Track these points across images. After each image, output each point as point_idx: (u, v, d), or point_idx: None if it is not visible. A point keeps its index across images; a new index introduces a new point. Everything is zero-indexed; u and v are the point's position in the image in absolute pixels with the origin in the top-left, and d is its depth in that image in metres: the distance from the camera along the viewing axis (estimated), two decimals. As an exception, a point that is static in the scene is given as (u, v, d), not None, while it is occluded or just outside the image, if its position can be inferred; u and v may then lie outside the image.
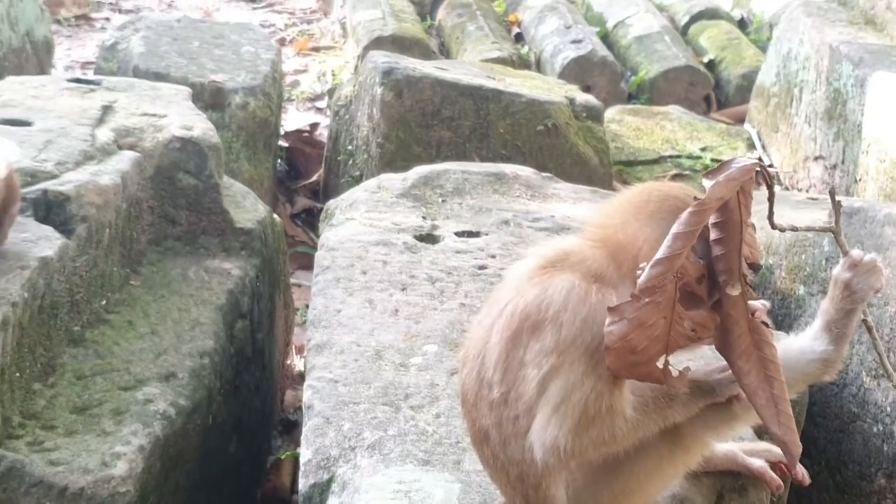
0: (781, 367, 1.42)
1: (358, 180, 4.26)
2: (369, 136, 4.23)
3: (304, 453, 1.81)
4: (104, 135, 2.70)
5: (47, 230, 2.24)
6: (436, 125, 4.10)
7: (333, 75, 6.96)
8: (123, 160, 2.61)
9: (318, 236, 4.57)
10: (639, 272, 1.33)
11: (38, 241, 2.19)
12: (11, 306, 1.98)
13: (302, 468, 1.80)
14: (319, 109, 6.48)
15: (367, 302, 2.29)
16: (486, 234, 2.66)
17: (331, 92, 6.64)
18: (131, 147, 2.73)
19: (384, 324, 2.20)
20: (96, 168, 2.51)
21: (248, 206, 2.99)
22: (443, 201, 2.84)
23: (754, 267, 1.39)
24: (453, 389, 1.96)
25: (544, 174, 3.07)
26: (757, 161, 1.37)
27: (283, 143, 5.14)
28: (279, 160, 4.98)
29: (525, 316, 1.40)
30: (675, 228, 1.33)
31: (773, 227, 1.42)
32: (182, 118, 2.89)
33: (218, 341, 2.48)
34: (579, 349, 1.36)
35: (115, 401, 2.12)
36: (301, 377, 3.52)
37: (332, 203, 2.92)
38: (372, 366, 2.04)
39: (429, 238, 2.64)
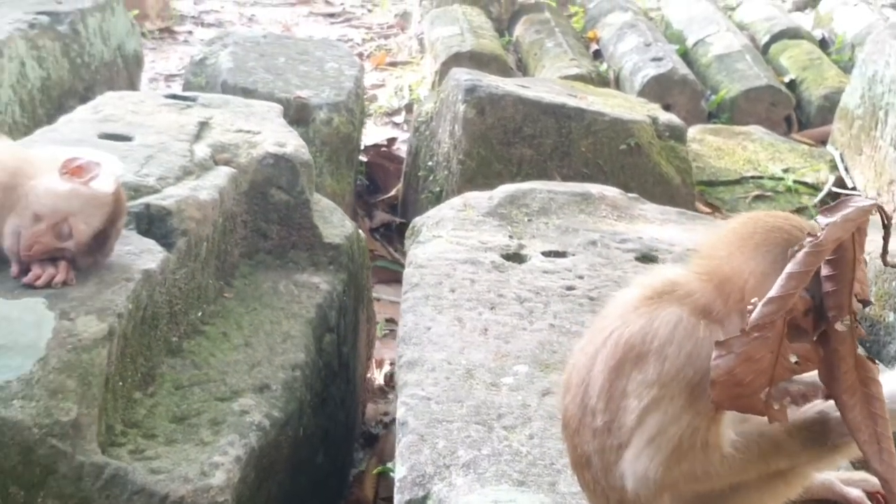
0: (886, 405, 1.42)
1: (438, 196, 4.30)
2: (450, 152, 4.27)
3: (399, 469, 1.84)
4: (201, 150, 2.77)
5: (150, 243, 2.31)
6: (517, 143, 4.13)
7: (410, 90, 7.03)
8: (220, 176, 2.68)
9: (396, 250, 4.66)
10: (750, 308, 1.34)
11: (142, 254, 2.25)
12: (117, 317, 2.04)
13: (397, 484, 1.83)
14: (397, 124, 6.55)
15: (457, 320, 2.32)
16: (573, 255, 2.67)
17: (408, 107, 6.72)
18: (227, 163, 2.80)
19: (474, 342, 2.23)
20: (195, 183, 2.58)
21: (335, 222, 3.05)
22: (529, 220, 2.87)
23: (864, 303, 1.38)
24: (545, 411, 1.98)
25: (630, 195, 3.08)
26: (874, 202, 1.36)
27: (362, 157, 5.20)
28: (359, 175, 5.05)
29: (629, 347, 1.41)
30: (789, 268, 1.33)
31: (886, 264, 1.42)
32: (275, 135, 2.96)
33: (308, 354, 2.53)
34: (680, 384, 1.37)
35: (212, 411, 2.18)
36: (381, 391, 3.57)
37: (418, 220, 2.96)
38: (463, 384, 2.07)
39: (516, 257, 2.66)
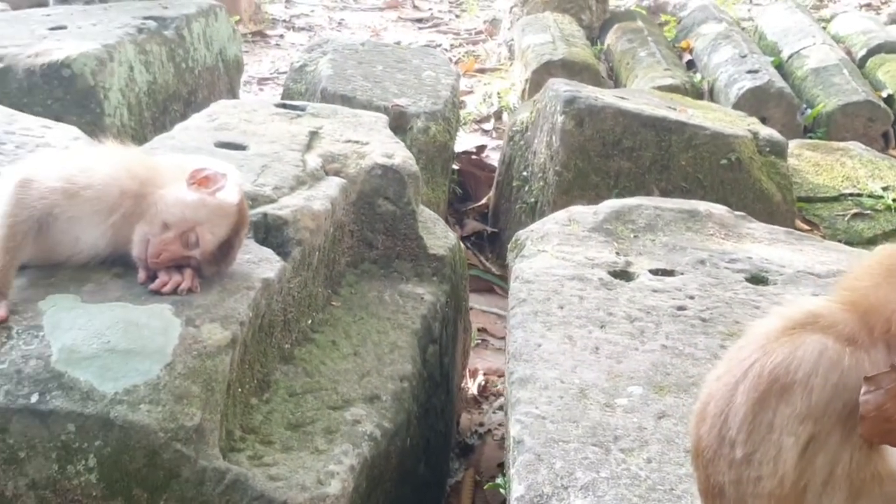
0: None
1: (533, 207, 4.31)
2: (546, 163, 4.27)
3: (517, 488, 1.85)
4: (313, 160, 2.82)
5: (268, 252, 2.36)
6: (615, 155, 4.11)
7: (499, 97, 7.04)
8: (332, 186, 2.72)
9: (487, 260, 4.67)
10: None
11: (260, 263, 2.30)
12: (240, 325, 2.08)
13: (514, 503, 1.84)
14: (486, 131, 6.56)
15: (567, 338, 2.32)
16: (682, 274, 2.65)
17: (497, 114, 6.74)
18: (336, 173, 2.84)
19: (585, 361, 2.23)
20: (308, 193, 2.62)
21: (438, 233, 3.07)
22: (635, 237, 2.85)
23: None
24: (662, 434, 1.97)
25: (737, 213, 3.05)
26: None
27: (453, 165, 5.23)
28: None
29: (773, 378, 1.40)
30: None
31: None
32: (383, 146, 2.99)
33: (415, 366, 2.55)
34: (832, 417, 1.36)
35: (325, 420, 2.21)
36: (475, 401, 3.59)
37: (521, 234, 2.96)
38: (577, 404, 2.07)
39: (623, 275, 2.65)
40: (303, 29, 9.45)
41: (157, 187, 2.14)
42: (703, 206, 3.05)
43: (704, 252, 2.77)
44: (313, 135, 3.01)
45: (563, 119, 4.11)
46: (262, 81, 7.77)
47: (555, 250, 2.74)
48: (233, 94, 5.40)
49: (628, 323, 2.39)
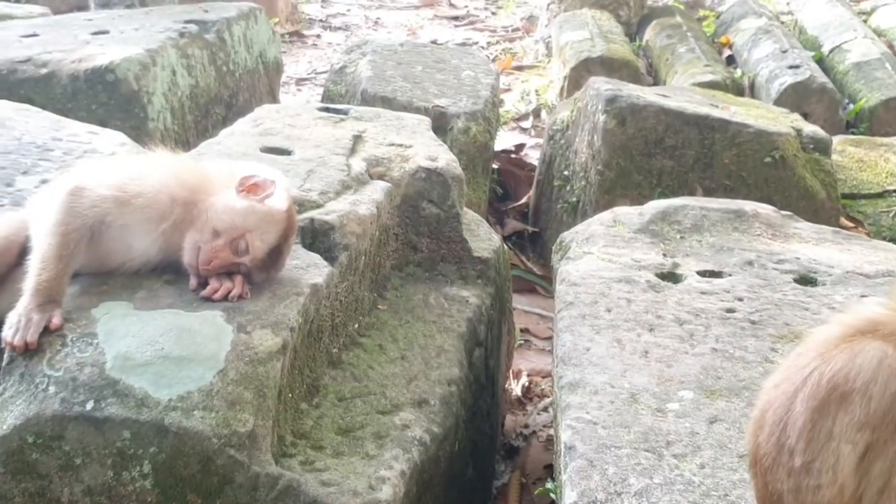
0: None
1: (575, 207, 4.29)
2: (588, 162, 4.25)
3: (569, 494, 1.85)
4: (357, 164, 2.82)
5: (315, 258, 2.37)
6: (658, 154, 4.09)
7: (537, 95, 7.02)
8: (377, 190, 2.73)
9: (528, 259, 4.66)
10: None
11: (308, 268, 2.31)
12: (290, 331, 2.10)
13: (567, 509, 1.83)
14: (524, 129, 6.55)
15: (616, 341, 2.31)
16: (730, 275, 2.63)
17: (535, 112, 6.72)
18: (381, 176, 2.85)
19: (635, 365, 2.22)
20: (354, 198, 2.63)
21: (482, 235, 3.07)
22: (681, 238, 2.84)
23: None
24: (714, 439, 1.96)
25: (784, 213, 3.02)
26: None
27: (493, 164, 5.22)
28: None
29: (832, 386, 1.39)
30: None
31: None
32: (427, 149, 3.00)
33: (462, 370, 2.55)
34: (890, 426, 1.34)
35: (374, 424, 2.22)
36: (519, 402, 3.58)
37: (566, 235, 2.95)
38: (628, 409, 2.06)
39: (670, 276, 2.64)
40: (339, 28, 9.47)
41: (207, 195, 2.15)
42: (749, 205, 3.02)
43: (752, 253, 2.75)
44: (357, 138, 3.01)
45: (605, 118, 4.09)
46: (299, 82, 7.80)
47: (601, 252, 2.73)
48: (273, 96, 5.43)
49: (677, 326, 2.38)
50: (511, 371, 3.64)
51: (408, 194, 2.89)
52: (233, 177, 2.19)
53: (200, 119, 4.54)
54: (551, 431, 3.36)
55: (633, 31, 7.75)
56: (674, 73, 6.47)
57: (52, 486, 1.93)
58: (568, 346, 2.30)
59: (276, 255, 2.17)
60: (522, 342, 3.97)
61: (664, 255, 2.74)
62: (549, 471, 3.07)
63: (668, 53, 6.78)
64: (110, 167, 2.24)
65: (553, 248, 2.98)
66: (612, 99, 4.11)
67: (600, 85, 4.28)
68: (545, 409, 3.50)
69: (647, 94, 4.25)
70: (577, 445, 1.94)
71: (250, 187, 2.15)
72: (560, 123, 4.66)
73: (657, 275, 2.63)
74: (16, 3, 7.29)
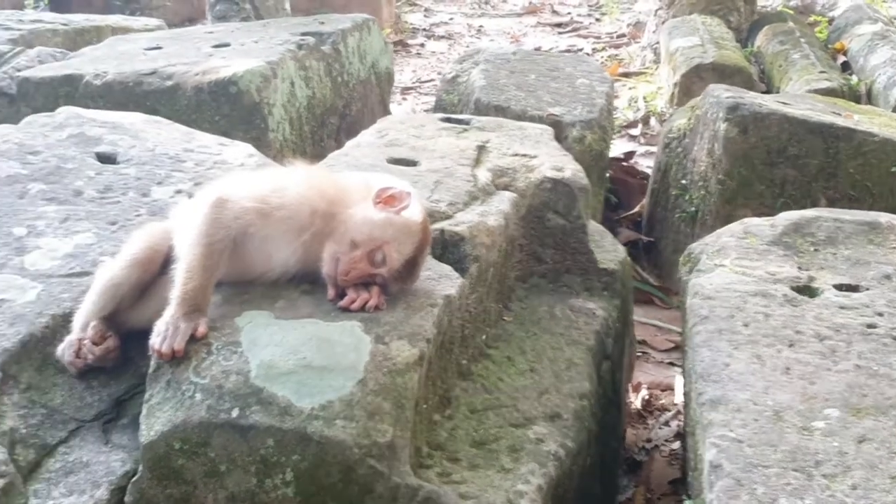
0: None
1: (693, 216, 4.23)
2: (708, 171, 4.18)
3: (716, 514, 1.81)
4: (483, 175, 2.82)
5: (447, 269, 2.37)
6: (781, 163, 4.00)
7: (645, 101, 6.94)
8: (504, 201, 2.72)
9: (643, 269, 4.60)
10: None
11: (440, 279, 2.31)
12: (426, 342, 2.10)
13: (714, 529, 1.79)
14: (633, 137, 6.48)
15: (755, 357, 2.25)
16: (868, 289, 2.55)
17: (645, 119, 6.65)
18: (506, 187, 2.84)
19: (777, 382, 2.16)
20: (482, 209, 2.63)
21: (607, 246, 3.04)
22: (815, 251, 2.76)
23: None
24: (864, 459, 1.90)
25: (922, 225, 2.91)
26: None
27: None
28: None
29: None
30: None
31: None
32: (552, 159, 2.98)
33: (592, 383, 2.53)
34: None
35: (509, 437, 2.21)
36: (640, 415, 3.53)
37: (695, 247, 2.90)
38: (773, 427, 2.00)
39: (807, 290, 2.57)
40: (442, 37, 9.53)
41: (345, 206, 2.17)
42: (884, 217, 2.92)
43: (889, 266, 2.66)
44: (481, 149, 3.02)
45: (726, 126, 4.02)
46: (404, 91, 7.87)
47: (733, 265, 2.68)
48: (384, 106, 5.48)
49: (818, 342, 2.31)
50: (630, 384, 3.59)
51: (533, 205, 2.87)
52: (369, 188, 2.21)
53: (316, 129, 4.60)
54: (674, 446, 3.31)
55: (744, 37, 7.61)
56: (788, 79, 6.32)
57: (197, 493, 1.97)
58: (707, 361, 2.25)
59: (411, 266, 2.18)
60: (640, 354, 3.92)
61: (799, 267, 2.67)
62: (675, 486, 3.02)
63: (782, 60, 6.63)
64: (252, 179, 2.28)
65: (680, 259, 2.93)
66: (733, 107, 4.03)
67: (720, 92, 4.20)
68: (667, 423, 3.45)
69: (768, 102, 4.16)
70: (724, 464, 1.90)
71: (387, 199, 2.16)
72: (676, 131, 4.59)
73: (793, 288, 2.56)
74: (132, 17, 7.54)
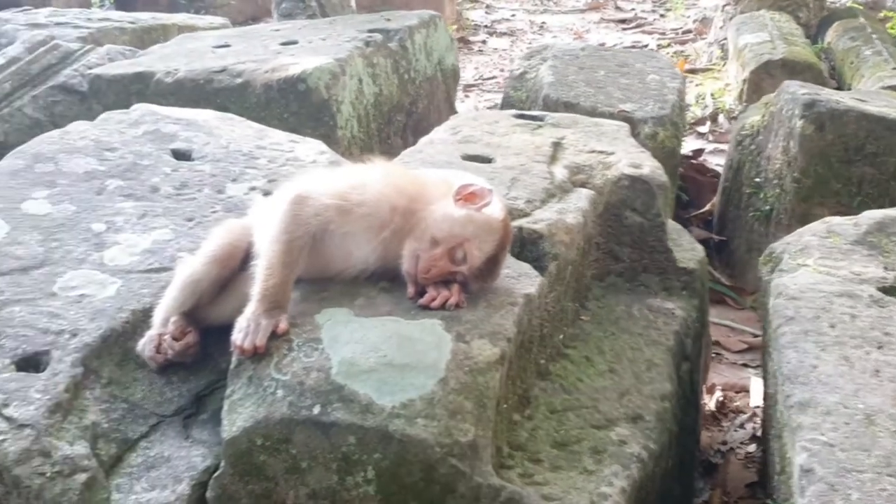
0: None
1: (768, 215, 4.15)
2: (783, 169, 4.09)
3: (812, 520, 1.76)
4: (560, 172, 2.79)
5: (526, 267, 2.34)
6: (858, 161, 3.91)
7: (713, 98, 6.84)
8: (581, 198, 2.68)
9: (714, 269, 4.52)
10: None
11: (520, 278, 2.29)
12: (507, 341, 2.07)
13: (808, 535, 1.74)
14: (701, 134, 6.38)
15: (843, 359, 2.19)
16: (959, 290, 2.47)
17: (713, 116, 6.54)
18: (583, 184, 2.81)
19: (867, 385, 2.10)
20: (560, 206, 2.60)
21: (685, 245, 2.99)
22: (902, 251, 2.68)
23: None
24: (966, 467, 1.83)
25: None
26: None
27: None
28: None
29: None
30: None
31: None
32: (629, 155, 2.93)
33: (673, 384, 2.48)
34: None
35: (590, 439, 2.18)
36: (714, 418, 3.47)
37: (776, 246, 2.84)
38: (865, 431, 1.95)
39: (893, 291, 2.49)
40: (504, 34, 9.49)
41: (425, 203, 2.15)
42: (975, 216, 2.83)
43: (980, 267, 2.57)
44: (556, 145, 2.98)
45: (803, 123, 3.93)
46: (467, 88, 7.84)
47: (817, 264, 2.61)
48: (449, 103, 5.46)
49: (908, 344, 2.24)
50: (704, 386, 3.53)
51: (610, 202, 2.83)
52: (448, 185, 2.19)
53: (383, 127, 4.60)
54: (750, 448, 3.24)
55: (813, 33, 7.46)
56: (860, 76, 6.18)
57: (278, 489, 1.97)
58: (793, 363, 2.20)
59: (492, 264, 2.15)
60: (713, 355, 3.85)
61: (885, 268, 2.59)
62: (752, 489, 2.96)
63: (853, 56, 6.48)
64: (331, 176, 2.27)
65: (760, 259, 2.87)
66: (809, 104, 3.94)
67: (796, 89, 4.11)
68: (741, 426, 3.38)
69: (845, 99, 4.06)
70: (816, 468, 1.85)
71: (468, 196, 2.14)
72: (749, 128, 4.51)
73: (880, 289, 2.49)
74: (197, 15, 7.61)
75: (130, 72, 4.33)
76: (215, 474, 2.01)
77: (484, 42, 9.21)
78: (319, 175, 2.32)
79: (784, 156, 4.06)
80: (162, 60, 4.47)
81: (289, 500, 1.98)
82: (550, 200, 2.63)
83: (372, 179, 2.17)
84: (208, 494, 2.01)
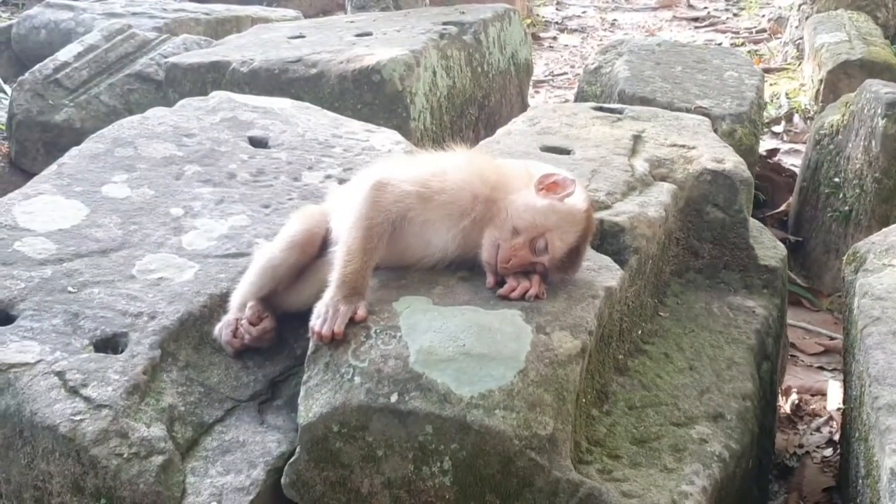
0: None
1: (847, 216, 4.05)
2: (863, 169, 3.99)
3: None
4: (640, 165, 2.74)
5: (606, 260, 2.30)
6: (943, 162, 3.78)
7: (788, 98, 6.70)
8: (663, 192, 2.63)
9: (790, 270, 4.41)
10: None
11: (600, 271, 2.24)
12: (588, 334, 2.03)
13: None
14: (776, 134, 6.26)
15: (935, 361, 2.12)
16: None
17: (788, 116, 6.41)
18: (663, 178, 2.75)
19: (961, 389, 2.02)
20: (641, 199, 2.55)
21: (766, 243, 2.92)
22: None
23: None
24: None
25: None
26: None
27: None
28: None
29: None
30: None
31: None
32: (711, 150, 2.87)
33: (754, 384, 2.42)
34: None
35: (670, 436, 2.13)
36: (789, 420, 3.39)
37: (860, 246, 2.75)
38: (961, 437, 1.87)
39: None
40: (575, 31, 9.40)
41: (506, 192, 2.12)
42: None
43: None
44: (636, 139, 2.93)
45: (885, 123, 3.82)
46: (537, 84, 7.77)
47: (905, 265, 2.53)
48: (522, 97, 5.42)
49: None
50: (780, 388, 3.45)
51: (691, 197, 2.77)
52: (530, 175, 2.16)
53: (455, 119, 4.57)
54: (826, 453, 3.16)
55: (892, 34, 7.27)
56: (943, 76, 6.00)
57: (353, 477, 1.95)
58: (881, 364, 2.12)
59: (574, 255, 2.11)
60: (789, 357, 3.76)
61: (978, 270, 2.50)
62: (829, 494, 2.88)
63: (936, 55, 6.30)
64: (412, 163, 2.25)
65: (844, 259, 2.78)
66: (893, 102, 3.83)
67: (878, 88, 4.00)
68: (818, 430, 3.30)
69: (931, 98, 3.94)
70: (909, 474, 1.78)
71: (550, 186, 2.10)
72: (828, 127, 4.40)
73: (971, 291, 2.40)
74: (270, 7, 7.67)
75: (206, 61, 4.36)
76: (290, 460, 2.00)
77: (554, 38, 9.14)
78: (399, 161, 2.30)
79: (865, 155, 3.95)
80: (237, 50, 4.50)
81: (364, 489, 1.96)
82: (631, 193, 2.58)
83: (453, 167, 2.15)
84: (283, 480, 2.00)
